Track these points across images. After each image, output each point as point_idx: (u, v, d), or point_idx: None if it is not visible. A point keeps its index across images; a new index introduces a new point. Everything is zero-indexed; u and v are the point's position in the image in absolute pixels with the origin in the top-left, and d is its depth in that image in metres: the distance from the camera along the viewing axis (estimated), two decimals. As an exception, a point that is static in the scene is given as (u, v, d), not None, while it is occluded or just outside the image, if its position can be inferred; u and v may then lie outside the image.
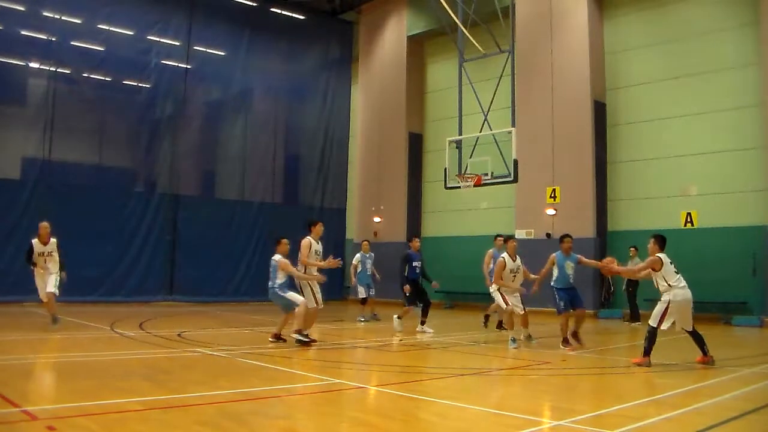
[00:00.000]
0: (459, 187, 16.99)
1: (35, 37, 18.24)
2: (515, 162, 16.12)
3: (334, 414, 5.66)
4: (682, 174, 17.13)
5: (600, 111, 18.60)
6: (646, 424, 5.13)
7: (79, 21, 18.97)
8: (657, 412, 5.52)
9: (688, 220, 16.87)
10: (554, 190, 18.73)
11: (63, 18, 18.46)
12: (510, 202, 20.01)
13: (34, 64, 18.39)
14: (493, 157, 16.52)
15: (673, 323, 8.23)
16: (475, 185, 16.50)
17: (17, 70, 18.44)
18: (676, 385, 6.92)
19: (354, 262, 15.45)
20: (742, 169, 16.11)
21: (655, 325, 8.21)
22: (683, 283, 8.31)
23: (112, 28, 19.39)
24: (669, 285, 8.25)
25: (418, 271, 12.52)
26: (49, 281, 11.41)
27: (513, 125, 16.75)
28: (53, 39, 18.25)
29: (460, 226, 22.00)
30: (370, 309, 15.23)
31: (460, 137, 17.38)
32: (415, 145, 23.68)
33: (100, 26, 19.24)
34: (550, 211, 18.69)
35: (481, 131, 17.26)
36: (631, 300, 15.71)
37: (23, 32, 18.21)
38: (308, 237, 10.16)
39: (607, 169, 18.60)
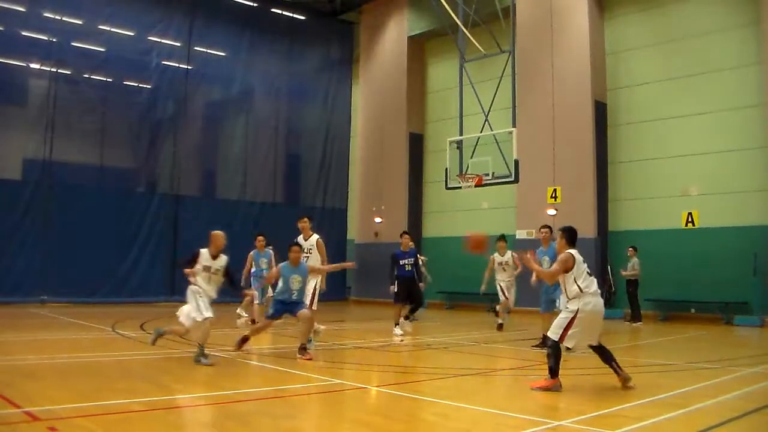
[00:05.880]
0: (460, 188, 17.00)
1: (36, 38, 18.26)
2: (516, 162, 16.13)
3: (336, 414, 5.67)
4: (683, 174, 17.12)
5: (601, 111, 18.59)
6: (646, 424, 5.14)
7: (80, 22, 18.98)
8: (657, 412, 5.52)
9: (689, 220, 16.87)
10: (555, 190, 18.73)
11: (64, 19, 18.47)
12: (511, 202, 20.01)
13: (35, 65, 18.40)
14: (493, 158, 16.53)
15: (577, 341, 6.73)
16: (476, 185, 16.51)
17: (18, 71, 18.46)
18: (676, 385, 6.92)
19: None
20: (743, 169, 16.10)
21: (556, 339, 6.64)
22: (595, 287, 6.77)
23: (113, 29, 19.39)
24: (581, 290, 6.66)
25: (408, 268, 12.23)
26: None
27: (514, 125, 16.75)
28: (54, 40, 18.27)
29: (461, 227, 21.94)
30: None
31: (461, 137, 17.39)
32: (416, 145, 23.68)
33: (101, 27, 19.25)
34: (551, 212, 18.68)
35: (481, 131, 17.26)
36: (633, 300, 15.72)
37: (24, 33, 18.23)
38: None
39: (608, 169, 18.59)
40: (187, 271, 8.18)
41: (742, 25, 16.44)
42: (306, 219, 10.30)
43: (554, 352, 6.64)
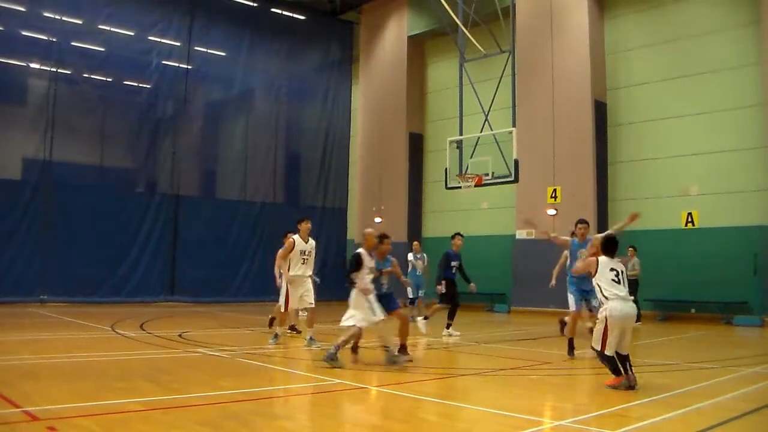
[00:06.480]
0: (460, 188, 17.00)
1: (36, 38, 18.27)
2: (516, 162, 16.13)
3: (335, 414, 5.66)
4: (683, 174, 17.12)
5: (601, 111, 18.60)
6: (646, 424, 5.14)
7: (79, 21, 18.99)
8: (657, 412, 5.52)
9: (689, 220, 16.87)
10: (555, 190, 18.74)
11: (64, 19, 18.47)
12: (510, 202, 20.01)
13: (35, 65, 18.41)
14: (493, 157, 16.53)
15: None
16: (475, 185, 16.51)
17: (18, 71, 18.46)
18: (676, 385, 6.92)
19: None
20: (742, 169, 16.11)
21: (599, 349, 6.74)
22: (621, 294, 6.75)
23: (112, 29, 19.40)
24: (605, 297, 6.75)
25: (454, 271, 12.10)
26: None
27: (514, 125, 16.75)
28: (54, 39, 18.27)
29: (461, 227, 21.79)
30: (418, 310, 14.88)
31: (461, 137, 17.39)
32: (416, 145, 23.69)
33: (100, 27, 19.25)
34: (551, 211, 18.69)
35: (481, 131, 17.26)
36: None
37: (24, 33, 18.24)
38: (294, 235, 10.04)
39: (608, 169, 18.60)
40: (362, 288, 8.02)
41: (741, 25, 16.45)
42: (309, 221, 10.31)
43: (604, 359, 6.78)
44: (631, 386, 6.59)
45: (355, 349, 8.60)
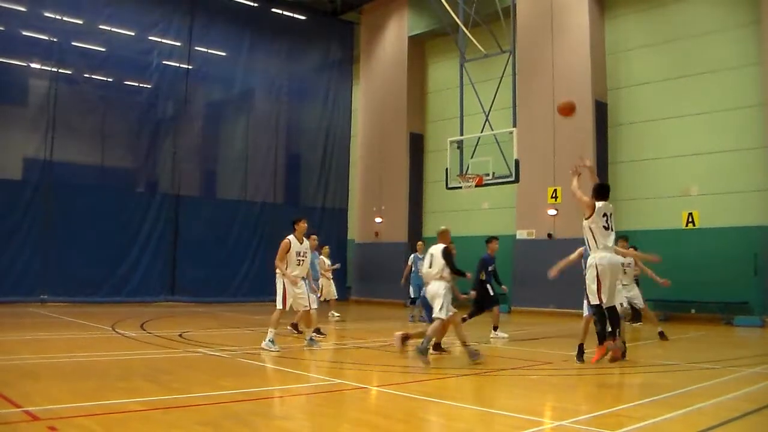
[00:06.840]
0: (460, 188, 17.01)
1: (37, 38, 18.29)
2: (516, 162, 16.13)
3: (336, 414, 5.66)
4: (683, 174, 17.12)
5: (601, 111, 18.59)
6: (646, 424, 5.14)
7: (80, 22, 19.01)
8: (657, 412, 5.52)
9: (690, 220, 16.86)
10: (555, 190, 18.73)
11: (64, 19, 18.50)
12: (511, 202, 20.01)
13: (35, 65, 18.44)
14: (494, 157, 16.54)
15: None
16: (476, 185, 16.52)
17: (19, 71, 18.49)
18: (676, 385, 6.92)
19: (409, 262, 15.39)
20: (743, 169, 16.11)
21: (597, 301, 7.04)
22: (609, 243, 7.11)
23: (113, 29, 19.44)
24: (596, 245, 7.11)
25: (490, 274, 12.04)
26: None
27: (514, 125, 16.76)
28: (54, 40, 18.30)
29: (462, 227, 21.94)
30: (419, 310, 14.74)
31: (462, 137, 17.40)
32: (417, 145, 23.69)
33: (101, 27, 19.28)
34: (552, 212, 18.69)
35: (482, 131, 17.27)
36: (633, 300, 15.68)
37: (25, 33, 18.27)
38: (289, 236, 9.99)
39: (608, 169, 18.59)
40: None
41: (741, 25, 16.45)
42: (305, 220, 10.27)
43: (599, 317, 7.03)
44: (615, 356, 6.63)
45: (438, 347, 9.06)
